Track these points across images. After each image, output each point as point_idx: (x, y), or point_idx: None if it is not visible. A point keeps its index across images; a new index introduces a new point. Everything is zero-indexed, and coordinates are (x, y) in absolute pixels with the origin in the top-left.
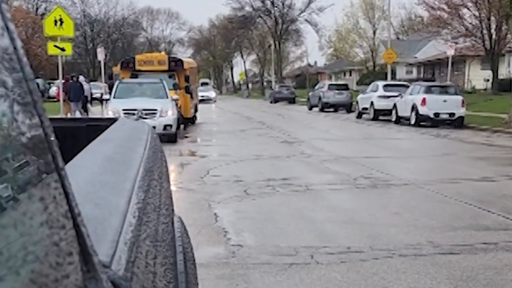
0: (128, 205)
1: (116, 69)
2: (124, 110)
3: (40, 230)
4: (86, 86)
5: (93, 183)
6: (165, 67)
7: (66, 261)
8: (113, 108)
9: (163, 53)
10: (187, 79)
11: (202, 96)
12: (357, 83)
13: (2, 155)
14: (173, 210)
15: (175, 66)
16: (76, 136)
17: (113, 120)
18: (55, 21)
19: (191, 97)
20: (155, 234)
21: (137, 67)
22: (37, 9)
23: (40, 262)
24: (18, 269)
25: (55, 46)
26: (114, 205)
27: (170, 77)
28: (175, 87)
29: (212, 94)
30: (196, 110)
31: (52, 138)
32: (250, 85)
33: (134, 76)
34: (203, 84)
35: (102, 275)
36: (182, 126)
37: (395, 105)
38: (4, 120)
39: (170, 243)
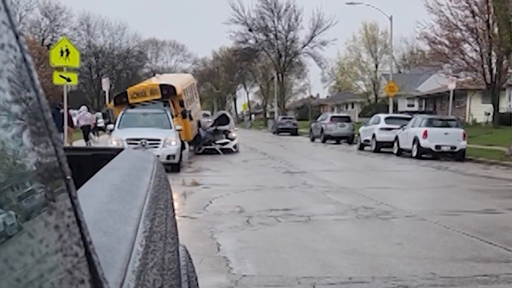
0: (135, 234)
1: (110, 106)
2: (127, 139)
3: (55, 258)
4: (88, 115)
5: (101, 211)
6: (158, 96)
7: None
8: (116, 138)
9: (154, 79)
10: (181, 103)
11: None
12: (359, 115)
13: (7, 183)
14: (178, 239)
15: (167, 93)
16: (82, 165)
17: (119, 150)
18: (62, 52)
19: (190, 118)
20: (161, 263)
21: (131, 101)
22: (43, 40)
23: None
24: None
25: (61, 76)
26: (122, 233)
27: (164, 105)
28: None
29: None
30: (199, 126)
31: (66, 167)
32: (253, 116)
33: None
34: (206, 115)
35: None
36: (187, 147)
37: (397, 137)
38: (11, 149)
39: (175, 271)
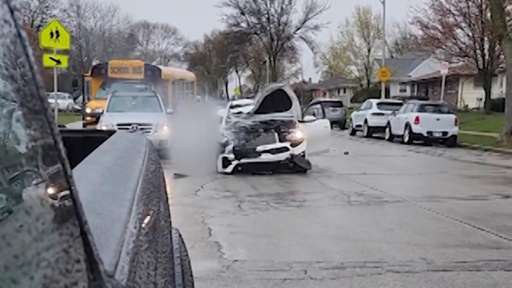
0: (129, 216)
1: (87, 76)
2: (118, 124)
3: (51, 237)
4: None
5: (94, 193)
6: (141, 76)
7: (74, 268)
8: (106, 123)
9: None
10: (165, 91)
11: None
12: (351, 101)
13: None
14: (171, 222)
15: (151, 75)
16: (74, 147)
17: (111, 132)
18: (51, 33)
19: None
20: (155, 245)
21: (110, 74)
22: (32, 21)
23: (52, 268)
24: (32, 274)
25: (50, 58)
26: (116, 215)
27: (146, 88)
28: None
29: (291, 137)
30: None
31: (62, 146)
32: None
33: (107, 84)
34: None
35: (107, 284)
36: None
37: (388, 123)
38: (3, 129)
39: (169, 254)
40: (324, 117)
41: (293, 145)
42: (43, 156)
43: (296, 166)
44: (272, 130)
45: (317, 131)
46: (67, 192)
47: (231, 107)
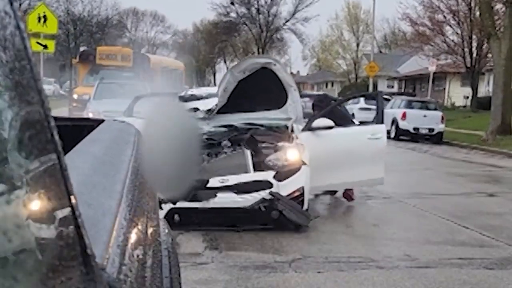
0: (119, 207)
1: (75, 61)
2: (104, 112)
3: (47, 230)
4: None
5: (84, 184)
6: (129, 64)
7: (69, 263)
8: (93, 110)
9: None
10: (153, 81)
11: None
12: (338, 95)
13: None
14: (159, 213)
15: (140, 63)
16: (62, 136)
17: (99, 121)
18: (39, 18)
19: None
20: (145, 237)
21: (98, 61)
22: (20, 5)
23: (48, 263)
24: (31, 270)
25: (37, 43)
26: (106, 207)
27: (134, 76)
28: None
29: (277, 158)
30: None
31: (57, 139)
32: None
33: (94, 71)
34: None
35: (99, 277)
36: None
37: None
38: (1, 120)
39: (157, 246)
40: (378, 121)
41: (280, 176)
42: (40, 148)
43: (282, 218)
44: (243, 145)
45: (357, 143)
46: (62, 185)
47: (182, 98)
